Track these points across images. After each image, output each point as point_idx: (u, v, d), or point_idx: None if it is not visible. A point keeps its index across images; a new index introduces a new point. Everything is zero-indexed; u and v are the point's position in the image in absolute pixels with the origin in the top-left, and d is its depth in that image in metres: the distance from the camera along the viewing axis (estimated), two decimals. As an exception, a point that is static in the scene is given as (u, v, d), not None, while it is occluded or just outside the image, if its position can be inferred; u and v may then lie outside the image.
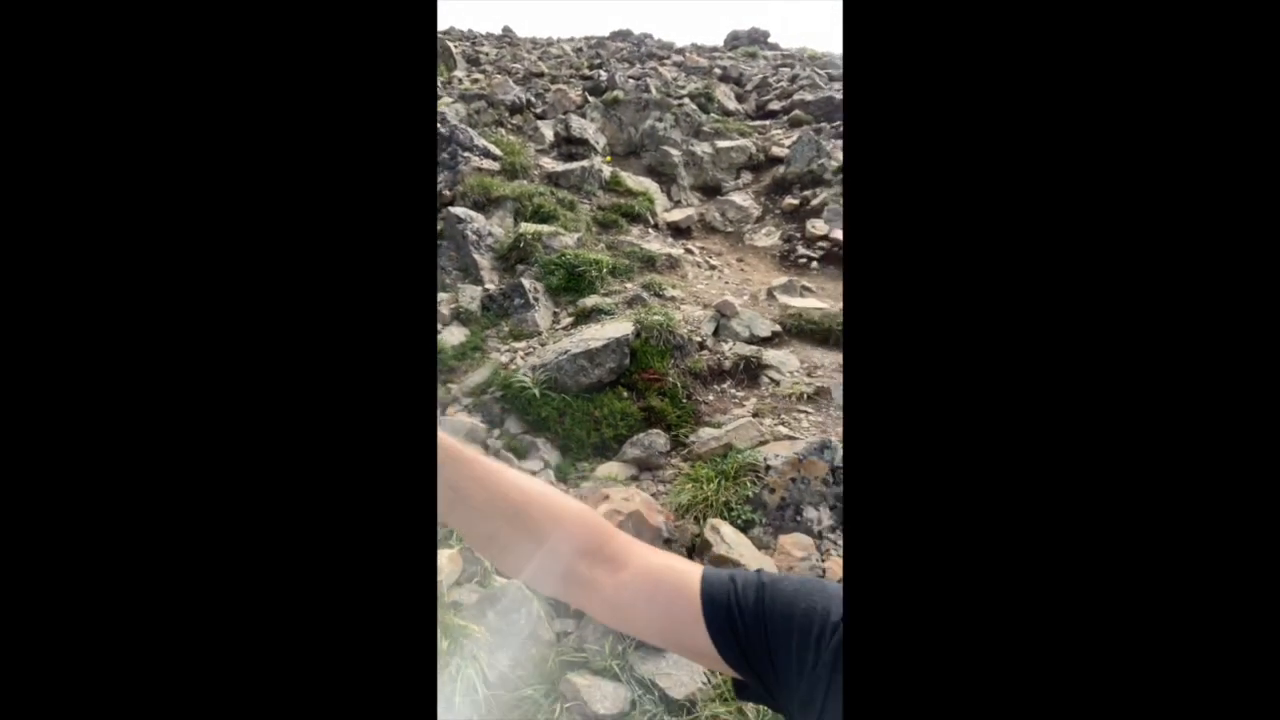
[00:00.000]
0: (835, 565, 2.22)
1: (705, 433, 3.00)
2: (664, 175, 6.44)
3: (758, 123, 7.76)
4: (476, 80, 8.33)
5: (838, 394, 3.21)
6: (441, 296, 4.17)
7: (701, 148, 6.73)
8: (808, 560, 2.22)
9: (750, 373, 3.51)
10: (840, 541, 2.39)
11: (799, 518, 2.44)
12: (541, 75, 8.87)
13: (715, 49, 12.34)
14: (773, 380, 3.43)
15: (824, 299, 4.33)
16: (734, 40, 13.10)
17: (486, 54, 10.52)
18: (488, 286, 4.23)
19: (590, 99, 7.38)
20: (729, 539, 2.24)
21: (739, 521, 2.40)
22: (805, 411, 3.15)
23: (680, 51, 11.56)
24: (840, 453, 2.55)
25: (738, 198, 6.21)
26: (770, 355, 3.58)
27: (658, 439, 3.01)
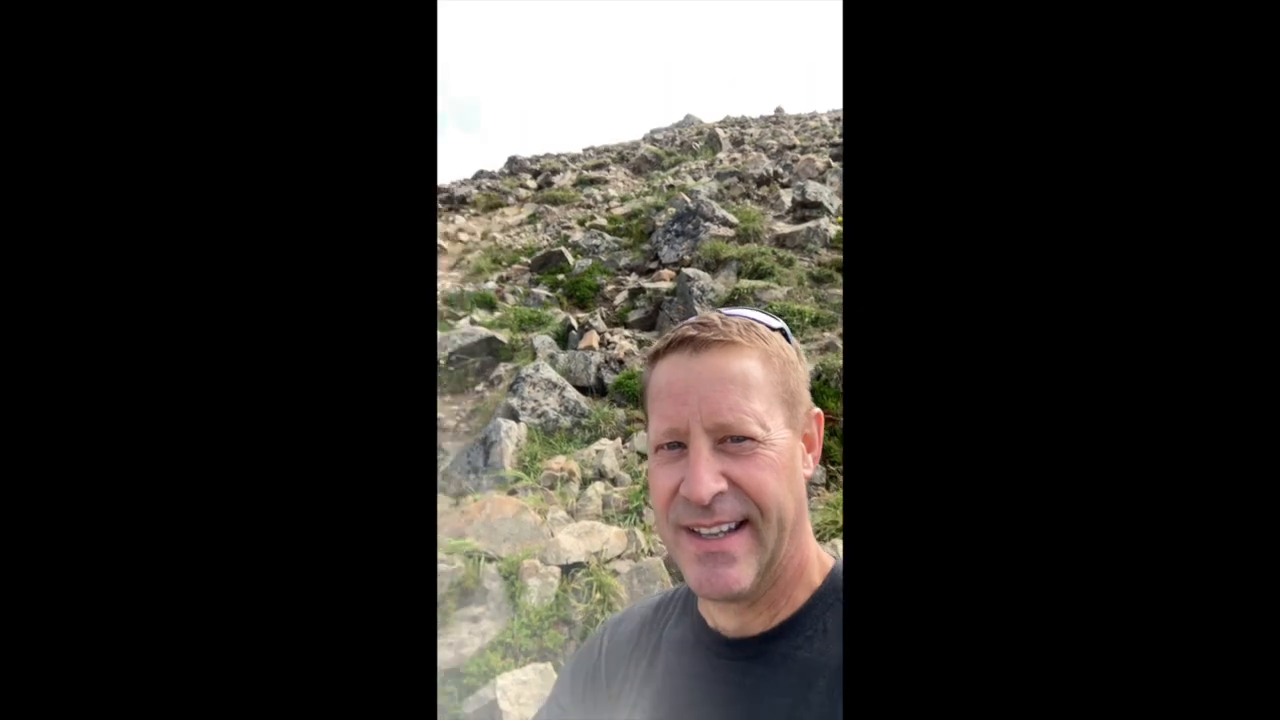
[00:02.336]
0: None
1: (861, 467, 3.16)
2: (901, 231, 6.47)
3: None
4: (735, 159, 9.36)
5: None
6: (663, 342, 4.95)
7: (946, 202, 6.60)
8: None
9: (931, 418, 3.52)
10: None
11: (926, 548, 2.50)
12: (794, 147, 9.54)
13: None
14: (953, 426, 3.40)
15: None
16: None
17: (750, 134, 11.62)
18: (702, 334, 4.90)
19: (832, 164, 7.78)
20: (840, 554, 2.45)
21: (862, 542, 2.57)
22: (975, 457, 3.09)
23: (949, 106, 11.24)
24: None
25: (980, 250, 5.95)
26: (958, 403, 3.54)
27: (817, 473, 3.26)
